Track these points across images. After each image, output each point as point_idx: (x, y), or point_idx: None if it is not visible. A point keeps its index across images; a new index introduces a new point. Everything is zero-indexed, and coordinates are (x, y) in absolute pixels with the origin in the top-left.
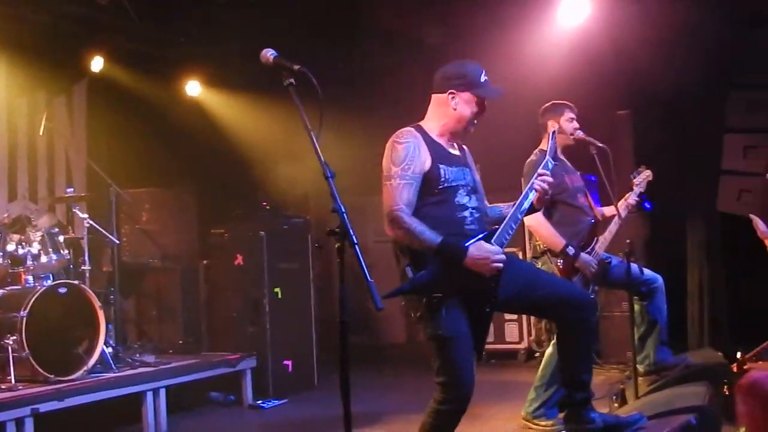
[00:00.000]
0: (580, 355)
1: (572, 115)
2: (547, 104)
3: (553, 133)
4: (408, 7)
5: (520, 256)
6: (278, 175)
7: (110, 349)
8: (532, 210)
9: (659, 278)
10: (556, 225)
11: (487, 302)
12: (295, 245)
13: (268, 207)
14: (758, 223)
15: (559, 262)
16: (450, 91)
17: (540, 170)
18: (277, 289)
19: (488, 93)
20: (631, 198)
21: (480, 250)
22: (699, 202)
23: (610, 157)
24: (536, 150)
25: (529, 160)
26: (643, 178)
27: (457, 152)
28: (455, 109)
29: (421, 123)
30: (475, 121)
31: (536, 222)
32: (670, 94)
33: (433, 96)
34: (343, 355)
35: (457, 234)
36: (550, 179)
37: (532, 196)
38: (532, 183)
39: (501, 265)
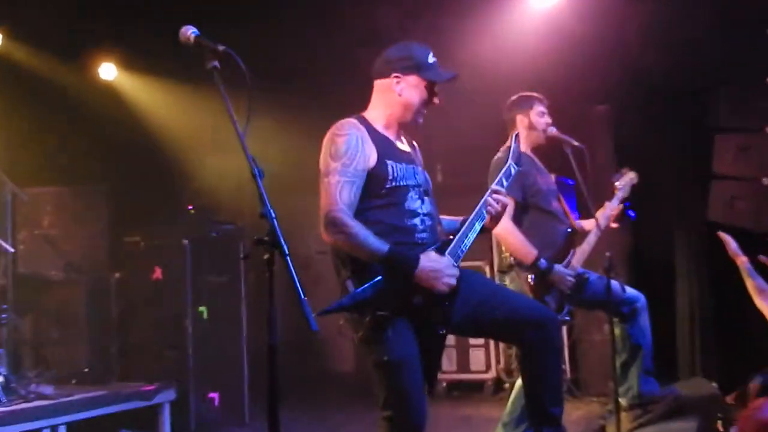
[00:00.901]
0: (546, 382)
1: (543, 109)
2: (514, 97)
3: (516, 135)
4: None
5: (487, 272)
6: (207, 172)
7: (0, 378)
8: (485, 230)
9: (642, 297)
10: (526, 233)
11: (441, 322)
12: (224, 256)
13: (193, 210)
14: (729, 242)
15: (530, 277)
16: (394, 74)
17: (493, 186)
18: (202, 308)
19: (437, 76)
20: (613, 205)
21: (432, 261)
22: (688, 210)
23: (587, 157)
24: (504, 147)
25: (495, 158)
26: (626, 181)
27: (406, 148)
28: (401, 95)
29: (365, 113)
30: (424, 110)
31: (503, 229)
32: (656, 87)
33: (376, 82)
34: (271, 387)
35: (407, 243)
36: (504, 200)
37: (485, 215)
38: (485, 199)
39: (454, 281)
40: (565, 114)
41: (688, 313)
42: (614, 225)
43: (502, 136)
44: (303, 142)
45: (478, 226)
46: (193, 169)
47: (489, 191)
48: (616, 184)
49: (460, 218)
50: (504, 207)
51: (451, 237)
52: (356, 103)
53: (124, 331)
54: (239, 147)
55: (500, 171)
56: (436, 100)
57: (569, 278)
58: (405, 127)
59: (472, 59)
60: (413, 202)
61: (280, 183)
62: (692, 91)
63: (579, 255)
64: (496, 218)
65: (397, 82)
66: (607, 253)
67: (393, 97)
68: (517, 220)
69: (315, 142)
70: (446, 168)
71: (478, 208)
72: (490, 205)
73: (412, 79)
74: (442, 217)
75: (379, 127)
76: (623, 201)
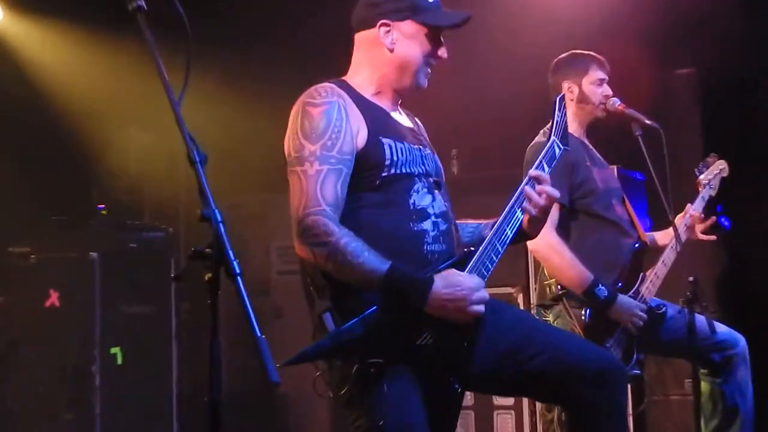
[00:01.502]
0: None
1: (602, 75)
2: (563, 56)
3: (559, 100)
4: None
5: (521, 304)
6: (126, 156)
7: None
8: (522, 238)
9: (742, 341)
10: (577, 250)
11: (457, 374)
12: (149, 275)
13: (105, 211)
14: None
15: (584, 312)
16: (381, 21)
17: (532, 171)
18: (115, 349)
19: (442, 19)
20: (696, 208)
21: (453, 284)
22: None
23: (665, 141)
24: (544, 129)
25: (532, 143)
26: (713, 174)
27: (408, 121)
28: (393, 50)
29: (346, 78)
30: (428, 68)
31: (545, 245)
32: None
33: (357, 36)
34: None
35: (413, 257)
36: (551, 191)
37: (520, 216)
38: (520, 192)
39: (483, 309)
40: (631, 80)
41: None
42: (701, 236)
43: (543, 113)
44: (263, 116)
45: (509, 232)
46: (107, 152)
47: (526, 179)
48: (700, 178)
49: (483, 222)
50: (550, 202)
51: (471, 249)
52: (345, 65)
53: (4, 381)
54: (173, 122)
55: (539, 155)
56: (442, 53)
57: (639, 313)
58: (404, 94)
59: (508, 17)
60: (422, 198)
61: (232, 173)
62: None
63: (652, 281)
64: (537, 220)
65: (387, 32)
66: (691, 278)
67: (382, 53)
68: (563, 231)
69: (282, 116)
70: (464, 156)
71: (509, 206)
72: (529, 198)
73: (408, 26)
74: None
75: (367, 94)
76: (712, 203)
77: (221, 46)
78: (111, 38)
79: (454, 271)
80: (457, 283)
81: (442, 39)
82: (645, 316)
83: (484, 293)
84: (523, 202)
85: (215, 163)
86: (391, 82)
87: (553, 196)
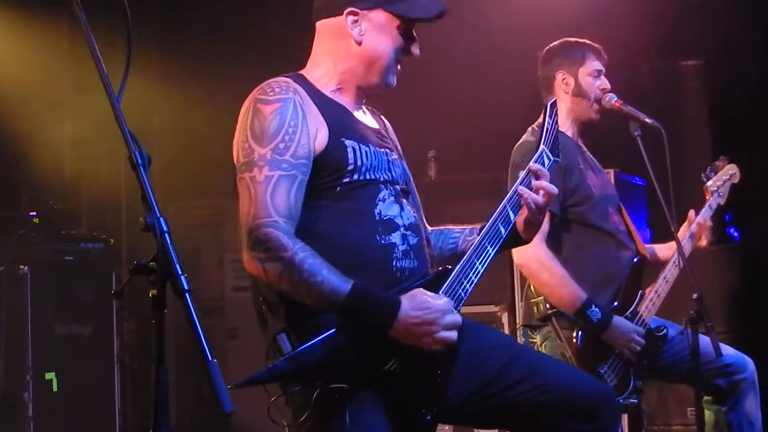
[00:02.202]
0: None
1: (599, 66)
2: (555, 44)
3: (551, 105)
4: None
5: (506, 325)
6: (61, 155)
7: None
8: (515, 242)
9: (751, 365)
10: (569, 264)
11: (428, 403)
12: (87, 291)
13: (37, 219)
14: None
15: (576, 334)
16: (349, 10)
17: (532, 164)
18: (50, 375)
19: (416, 10)
20: (703, 217)
21: (421, 307)
22: None
23: (667, 143)
24: (533, 126)
25: (519, 142)
26: (722, 179)
27: (373, 122)
28: (360, 42)
29: (304, 72)
30: (398, 64)
31: (535, 259)
32: None
33: (319, 24)
34: None
35: (380, 274)
36: (548, 187)
37: (513, 217)
38: (515, 190)
39: (455, 335)
40: (632, 74)
41: None
42: (703, 244)
43: (531, 110)
44: (220, 111)
45: (504, 232)
46: (38, 149)
47: (524, 174)
48: (708, 184)
49: (469, 227)
50: (549, 199)
51: (448, 266)
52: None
53: None
54: (113, 118)
55: (527, 160)
56: (414, 50)
57: (636, 338)
58: (369, 93)
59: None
60: (388, 208)
61: (183, 174)
62: None
63: (652, 299)
64: (533, 224)
65: (355, 21)
66: (695, 295)
67: (348, 45)
68: (554, 243)
69: (233, 111)
70: (442, 158)
71: (495, 214)
72: (525, 196)
73: (378, 16)
74: (434, 228)
75: (327, 90)
76: (720, 211)
77: (174, 37)
78: (44, 20)
79: (422, 290)
80: (426, 305)
81: (415, 34)
82: (642, 341)
83: (457, 317)
84: (515, 205)
85: (164, 164)
86: (355, 78)
87: (553, 192)
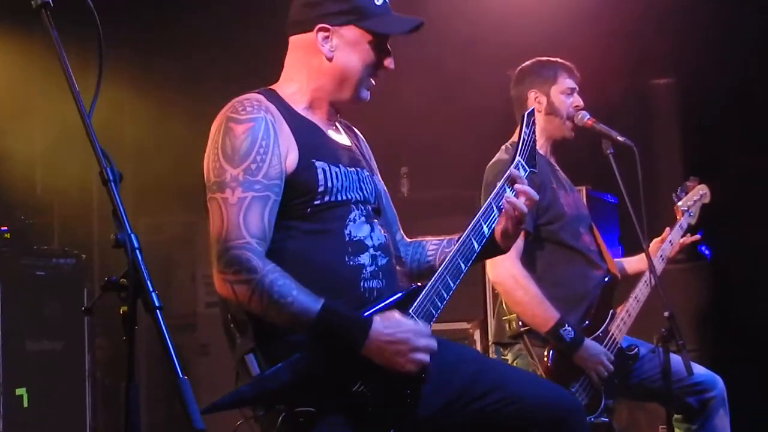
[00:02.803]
0: None
1: (572, 84)
2: (527, 63)
3: (528, 115)
4: None
5: (478, 342)
6: (30, 168)
7: None
8: (493, 252)
9: (720, 383)
10: (541, 283)
11: (396, 422)
12: (58, 307)
13: (8, 234)
14: None
15: (547, 353)
16: (320, 25)
17: (512, 169)
18: (21, 391)
19: (389, 26)
20: (674, 237)
21: (392, 327)
22: None
23: (639, 161)
24: (506, 144)
25: (493, 160)
26: (693, 199)
27: (345, 139)
28: (332, 59)
29: (276, 87)
30: (372, 80)
31: (510, 276)
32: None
33: (292, 40)
34: None
35: (347, 295)
36: (530, 191)
37: (492, 223)
38: (497, 195)
39: (427, 357)
40: (604, 92)
41: None
42: (672, 256)
43: (504, 128)
44: (194, 127)
45: (477, 246)
46: (9, 163)
47: (501, 183)
48: (678, 204)
49: (447, 238)
50: (531, 203)
51: (420, 284)
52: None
53: None
54: (84, 132)
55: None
56: (388, 64)
57: (606, 363)
58: (341, 108)
59: (461, 4)
60: (359, 228)
61: (155, 190)
62: None
63: (623, 318)
64: (510, 234)
65: (326, 38)
66: (666, 313)
67: (319, 61)
68: (528, 261)
69: (206, 128)
70: (415, 174)
71: (472, 225)
72: (507, 203)
73: (350, 32)
74: (412, 240)
75: (299, 107)
76: (691, 230)
77: (148, 53)
78: (16, 34)
79: (395, 311)
80: (398, 324)
81: (389, 47)
82: (611, 367)
83: (433, 342)
84: (489, 219)
85: (136, 179)
86: (327, 94)
87: (534, 198)
